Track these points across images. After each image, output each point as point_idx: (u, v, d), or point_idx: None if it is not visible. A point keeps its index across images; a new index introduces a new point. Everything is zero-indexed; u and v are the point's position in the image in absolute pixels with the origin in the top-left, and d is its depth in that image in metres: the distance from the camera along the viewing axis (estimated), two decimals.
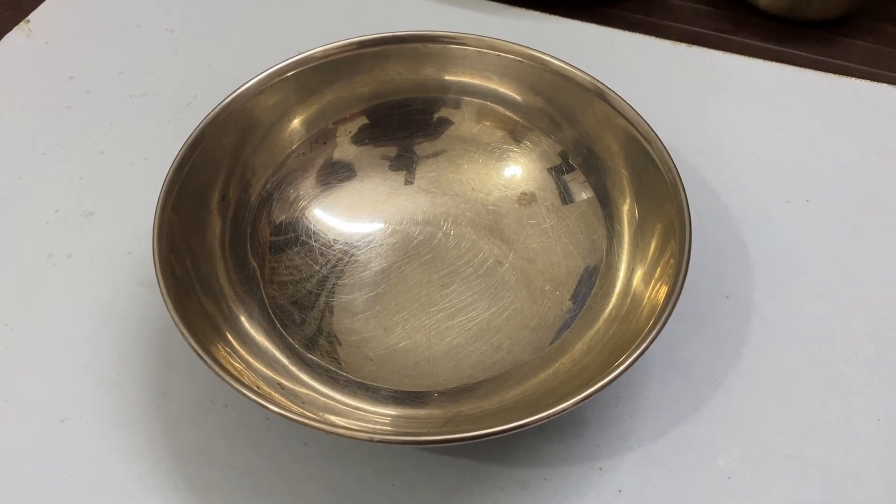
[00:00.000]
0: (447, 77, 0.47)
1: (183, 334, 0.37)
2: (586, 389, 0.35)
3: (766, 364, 0.44)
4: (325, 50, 0.47)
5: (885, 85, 0.56)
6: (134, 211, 0.50)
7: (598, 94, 0.44)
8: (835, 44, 0.60)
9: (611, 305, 0.41)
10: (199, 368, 0.44)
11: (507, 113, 0.47)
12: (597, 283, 0.42)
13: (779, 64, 0.58)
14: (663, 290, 0.39)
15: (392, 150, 0.48)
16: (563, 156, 0.46)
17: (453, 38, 0.47)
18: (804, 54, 0.59)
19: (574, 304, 0.43)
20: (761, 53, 0.59)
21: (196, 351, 0.36)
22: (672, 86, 0.57)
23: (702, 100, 0.56)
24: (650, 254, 0.41)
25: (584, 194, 0.45)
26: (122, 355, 0.44)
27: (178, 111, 0.55)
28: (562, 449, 0.41)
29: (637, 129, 0.43)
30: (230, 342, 0.41)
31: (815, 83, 0.57)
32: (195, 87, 0.56)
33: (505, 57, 0.46)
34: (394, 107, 0.48)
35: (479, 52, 0.46)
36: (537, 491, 0.40)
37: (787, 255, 0.48)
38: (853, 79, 0.57)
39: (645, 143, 0.42)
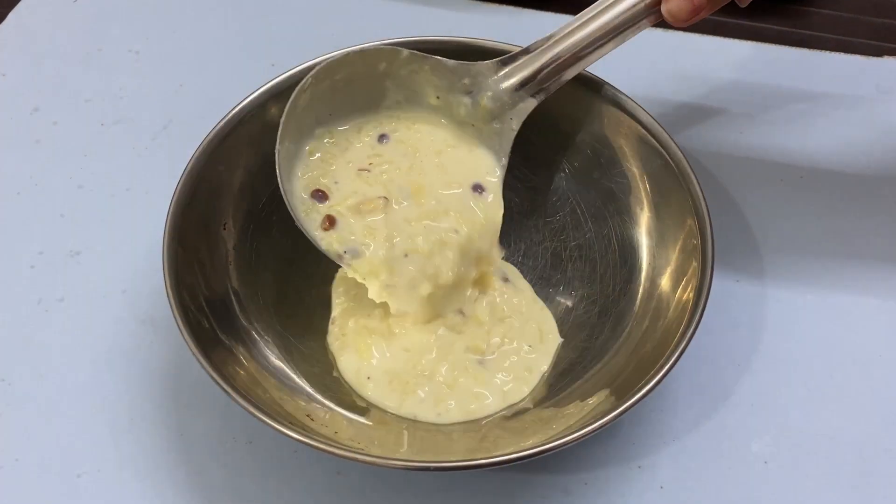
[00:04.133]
0: None
1: (212, 377, 0.35)
2: (624, 401, 0.35)
3: (786, 344, 0.44)
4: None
5: (859, 56, 0.57)
6: (123, 246, 0.48)
7: (606, 97, 0.44)
8: (804, 15, 0.61)
9: (637, 305, 0.41)
10: (217, 406, 0.42)
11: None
12: (621, 284, 0.42)
13: (756, 43, 0.58)
14: (689, 287, 0.39)
15: None
16: (569, 158, 0.46)
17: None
18: (776, 27, 0.60)
19: (602, 303, 0.42)
20: (734, 30, 0.59)
21: (228, 392, 0.35)
22: (654, 72, 0.56)
23: (684, 84, 0.56)
24: (671, 250, 0.41)
25: (599, 197, 0.45)
26: (133, 399, 0.42)
27: (155, 136, 0.53)
28: (599, 451, 0.41)
29: (646, 128, 0.42)
30: (252, 375, 0.39)
31: (794, 60, 0.57)
32: (169, 109, 0.54)
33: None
34: None
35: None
36: (580, 496, 0.40)
37: (790, 233, 0.49)
38: (829, 53, 0.57)
39: (653, 140, 0.42)
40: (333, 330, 0.44)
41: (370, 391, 0.41)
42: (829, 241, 0.48)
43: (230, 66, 0.56)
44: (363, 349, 0.42)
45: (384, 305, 0.42)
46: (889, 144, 0.52)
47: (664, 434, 0.42)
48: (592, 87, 0.44)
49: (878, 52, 0.58)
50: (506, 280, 0.45)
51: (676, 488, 0.40)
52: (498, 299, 0.44)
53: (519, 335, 0.42)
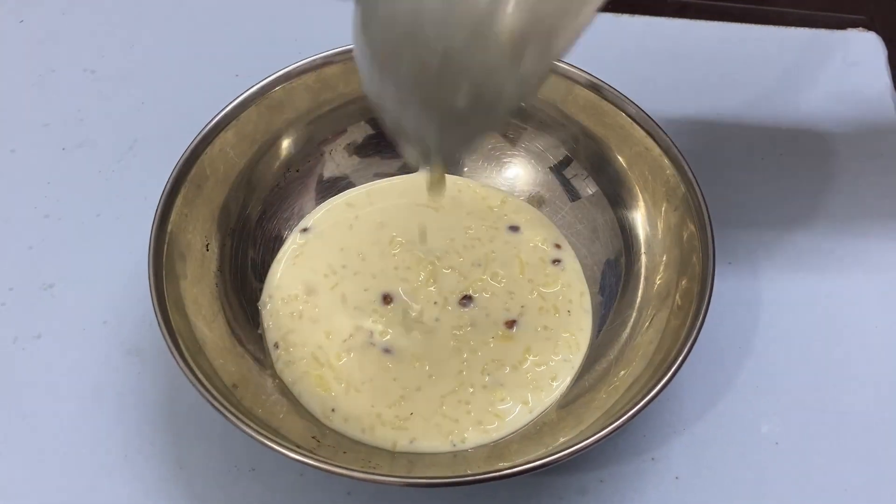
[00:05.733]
0: None
1: (215, 406, 0.34)
2: (640, 397, 0.34)
3: (784, 323, 0.44)
4: (292, 70, 0.43)
5: (823, 30, 0.58)
6: (99, 275, 0.45)
7: (585, 86, 0.43)
8: None
9: (639, 296, 0.40)
10: (215, 434, 0.40)
11: None
12: (622, 276, 0.41)
13: (721, 23, 0.58)
14: (691, 274, 0.38)
15: (384, 168, 0.46)
16: (561, 152, 0.45)
17: None
18: (739, 6, 0.60)
19: (602, 297, 0.42)
20: (698, 11, 0.59)
21: (232, 420, 0.34)
22: (623, 56, 0.56)
23: (656, 68, 0.55)
24: (667, 238, 0.41)
25: (589, 189, 0.44)
26: (126, 434, 0.41)
27: (121, 158, 0.51)
28: (610, 447, 0.40)
29: (631, 116, 0.42)
30: (253, 399, 0.38)
31: (760, 38, 0.57)
32: (133, 129, 0.52)
33: None
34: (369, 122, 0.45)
35: None
36: (596, 494, 0.39)
37: (775, 211, 0.49)
38: (794, 28, 0.58)
39: (638, 127, 0.42)
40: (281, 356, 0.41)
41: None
42: (815, 216, 0.48)
43: (193, 80, 0.54)
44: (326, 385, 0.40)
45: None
46: (863, 116, 0.53)
47: (674, 424, 0.41)
48: (572, 77, 0.43)
49: (840, 25, 0.58)
50: (556, 262, 0.43)
51: (691, 477, 0.40)
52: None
53: (552, 348, 0.41)
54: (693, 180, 0.40)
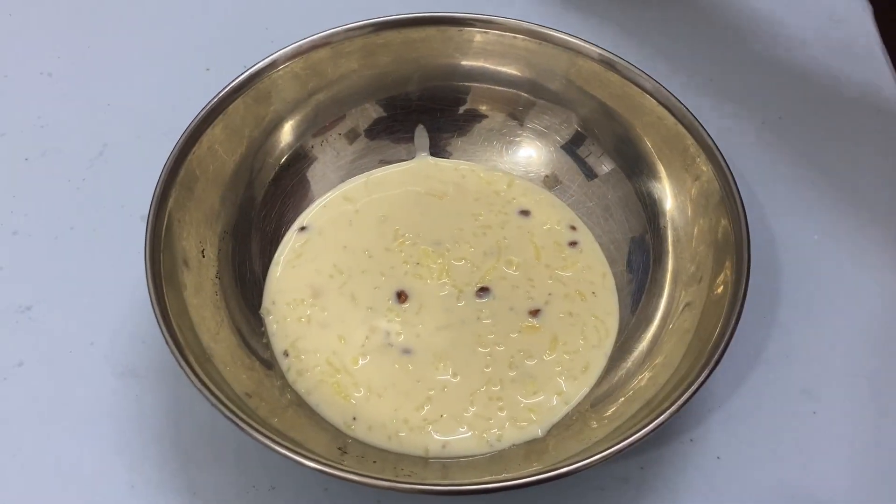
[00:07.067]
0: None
1: (228, 416, 0.31)
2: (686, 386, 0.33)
3: (806, 288, 0.43)
4: (278, 57, 0.40)
5: None
6: (80, 293, 0.42)
7: (608, 64, 0.41)
8: None
9: (668, 274, 0.39)
10: (227, 454, 0.37)
11: (509, 91, 0.43)
12: (650, 255, 0.40)
13: None
14: (723, 250, 0.37)
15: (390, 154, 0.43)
16: (573, 130, 0.43)
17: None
18: None
19: (631, 274, 0.40)
20: None
21: (251, 433, 0.31)
22: (610, 24, 0.54)
23: (642, 33, 0.54)
24: (692, 211, 0.39)
25: (605, 166, 0.42)
26: (130, 464, 0.37)
27: (91, 164, 0.47)
28: None
29: (650, 92, 0.40)
30: (270, 412, 0.35)
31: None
32: (101, 133, 0.48)
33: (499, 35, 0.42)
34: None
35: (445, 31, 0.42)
36: (638, 481, 0.38)
37: (782, 175, 0.47)
38: None
39: (655, 103, 0.40)
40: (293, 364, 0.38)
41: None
42: (821, 176, 0.47)
43: (160, 77, 0.51)
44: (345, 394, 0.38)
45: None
46: (855, 73, 0.52)
47: (707, 402, 0.40)
48: (582, 51, 0.41)
49: None
50: (573, 244, 0.41)
51: (733, 455, 0.38)
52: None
53: (580, 334, 0.39)
54: (715, 149, 0.38)
